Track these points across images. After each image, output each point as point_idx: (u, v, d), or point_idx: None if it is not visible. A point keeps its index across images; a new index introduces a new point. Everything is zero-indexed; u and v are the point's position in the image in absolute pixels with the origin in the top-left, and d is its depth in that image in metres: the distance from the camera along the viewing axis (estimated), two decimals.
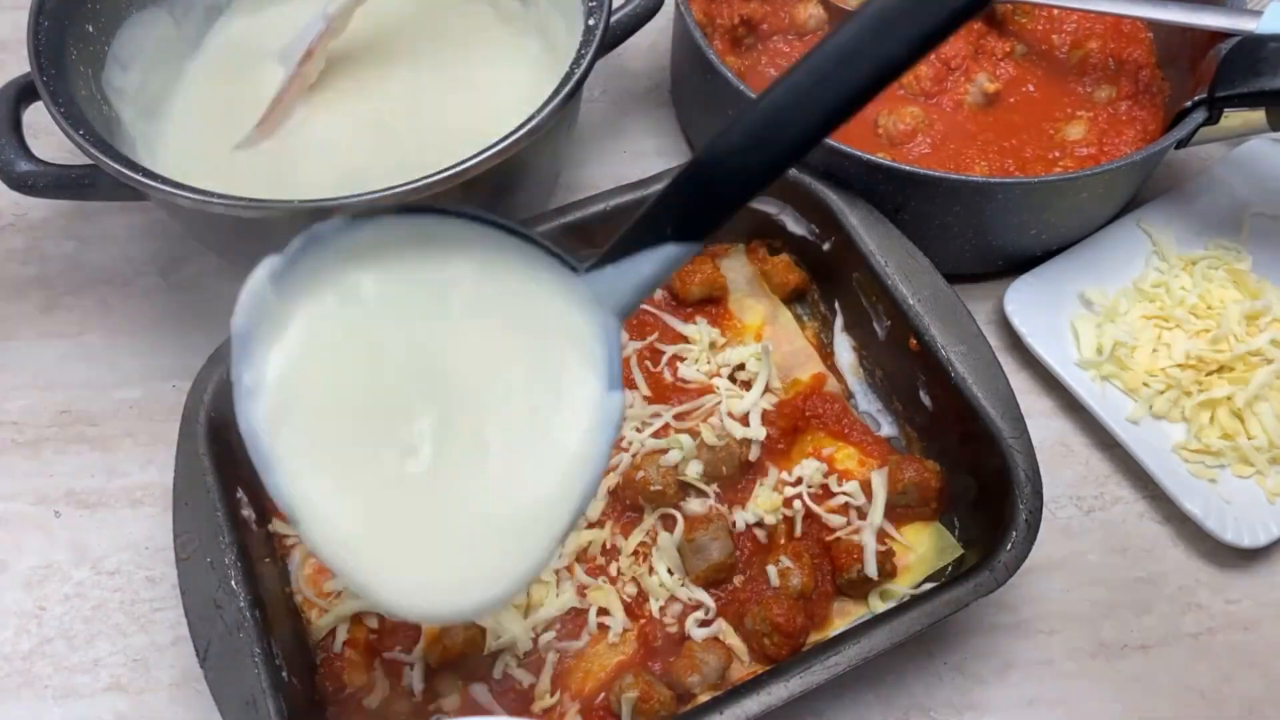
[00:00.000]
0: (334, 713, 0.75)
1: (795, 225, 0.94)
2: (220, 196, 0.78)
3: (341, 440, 0.52)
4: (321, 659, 0.77)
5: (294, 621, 0.77)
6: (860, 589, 0.80)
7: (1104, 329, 0.95)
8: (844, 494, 0.83)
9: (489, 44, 1.05)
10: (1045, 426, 0.95)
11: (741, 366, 0.89)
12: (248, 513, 0.79)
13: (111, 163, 0.79)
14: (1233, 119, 0.96)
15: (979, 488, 0.82)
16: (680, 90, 1.12)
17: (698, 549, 0.79)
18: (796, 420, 0.87)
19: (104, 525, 0.87)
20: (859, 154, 0.88)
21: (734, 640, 0.78)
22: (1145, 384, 0.93)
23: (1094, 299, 0.97)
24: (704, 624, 0.78)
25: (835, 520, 0.82)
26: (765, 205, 0.94)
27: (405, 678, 0.75)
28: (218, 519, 0.73)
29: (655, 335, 0.90)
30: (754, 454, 0.84)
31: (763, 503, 0.82)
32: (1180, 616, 0.86)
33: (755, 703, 0.69)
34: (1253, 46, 0.91)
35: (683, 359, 0.89)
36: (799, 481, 0.84)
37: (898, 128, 1.01)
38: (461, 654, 0.74)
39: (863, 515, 0.82)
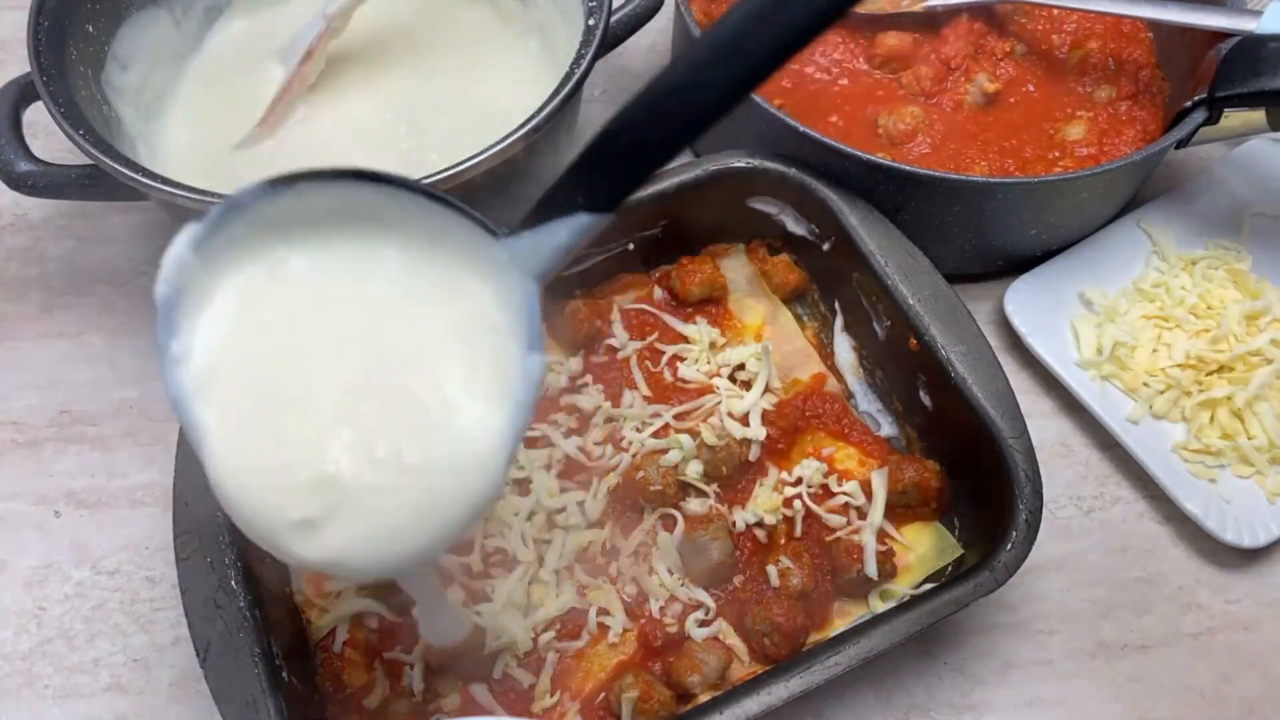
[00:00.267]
0: (334, 713, 0.75)
1: (795, 225, 0.94)
2: (220, 196, 0.78)
3: (265, 411, 0.53)
4: (321, 659, 0.77)
5: (294, 621, 0.78)
6: (860, 589, 0.80)
7: (1104, 329, 0.95)
8: (844, 494, 0.83)
9: (489, 44, 1.05)
10: (1045, 426, 0.95)
11: (741, 366, 0.89)
12: None
13: (111, 163, 0.79)
14: (1233, 119, 0.96)
15: (979, 488, 0.82)
16: None
17: (698, 549, 0.78)
18: (796, 420, 0.87)
19: (104, 525, 0.87)
20: (859, 154, 0.88)
21: (734, 640, 0.78)
22: (1145, 384, 0.93)
23: (1094, 299, 0.97)
24: (704, 624, 0.78)
25: (835, 520, 0.82)
26: (765, 205, 0.94)
27: (405, 678, 0.75)
28: (218, 519, 0.73)
29: (655, 335, 0.90)
30: (754, 454, 0.84)
31: (763, 503, 0.82)
32: (1180, 616, 0.86)
33: (755, 703, 0.69)
34: (1253, 46, 0.91)
35: (683, 359, 0.89)
36: (799, 481, 0.84)
37: (898, 128, 1.01)
38: (461, 654, 0.74)
39: (863, 515, 0.82)
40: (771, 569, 0.78)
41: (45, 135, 0.95)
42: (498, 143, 0.81)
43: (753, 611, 0.77)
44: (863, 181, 0.90)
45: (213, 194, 0.78)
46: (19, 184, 0.84)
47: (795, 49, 0.46)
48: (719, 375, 0.88)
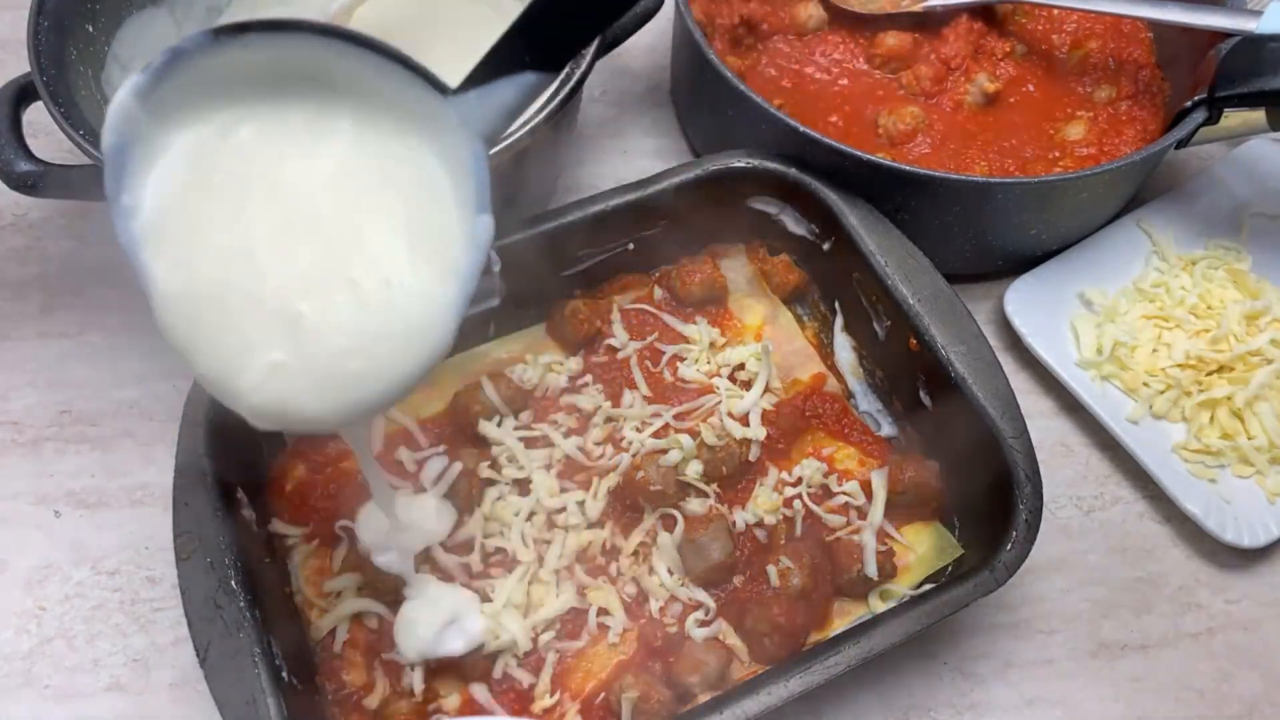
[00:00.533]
0: (334, 713, 0.75)
1: (795, 225, 0.94)
2: None
3: (211, 270, 0.54)
4: (321, 659, 0.77)
5: (294, 621, 0.78)
6: (860, 589, 0.80)
7: (1104, 329, 0.95)
8: (844, 494, 0.83)
9: (489, 43, 1.04)
10: (1045, 426, 0.95)
11: (741, 366, 0.89)
12: (248, 513, 0.79)
13: None
14: (1233, 119, 0.96)
15: (979, 487, 0.81)
16: (680, 90, 1.12)
17: (698, 549, 0.78)
18: (796, 420, 0.87)
19: (104, 525, 0.87)
20: (859, 154, 0.88)
21: (734, 640, 0.78)
22: (1145, 384, 0.93)
23: (1094, 299, 0.97)
24: (704, 624, 0.78)
25: (835, 520, 0.82)
26: (765, 205, 0.94)
27: (405, 678, 0.75)
28: (218, 519, 0.73)
29: (655, 335, 0.90)
30: (754, 454, 0.84)
31: (763, 503, 0.82)
32: (1180, 616, 0.86)
33: (755, 703, 0.69)
34: (1253, 46, 0.91)
35: (683, 359, 0.89)
36: (799, 481, 0.84)
37: (898, 128, 1.01)
38: (461, 655, 0.74)
39: (863, 515, 0.82)
40: (771, 569, 0.78)
41: (45, 135, 0.95)
42: (499, 142, 0.81)
43: (753, 611, 0.77)
44: (863, 181, 0.90)
45: None
46: (19, 184, 0.84)
47: None
48: (719, 375, 0.88)
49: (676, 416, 0.85)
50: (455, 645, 0.73)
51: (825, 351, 0.94)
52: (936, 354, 0.83)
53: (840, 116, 1.03)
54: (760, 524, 0.82)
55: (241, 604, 0.70)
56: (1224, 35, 0.94)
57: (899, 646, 0.72)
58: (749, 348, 0.89)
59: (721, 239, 0.97)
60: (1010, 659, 0.84)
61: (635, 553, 0.80)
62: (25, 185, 0.84)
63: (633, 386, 0.87)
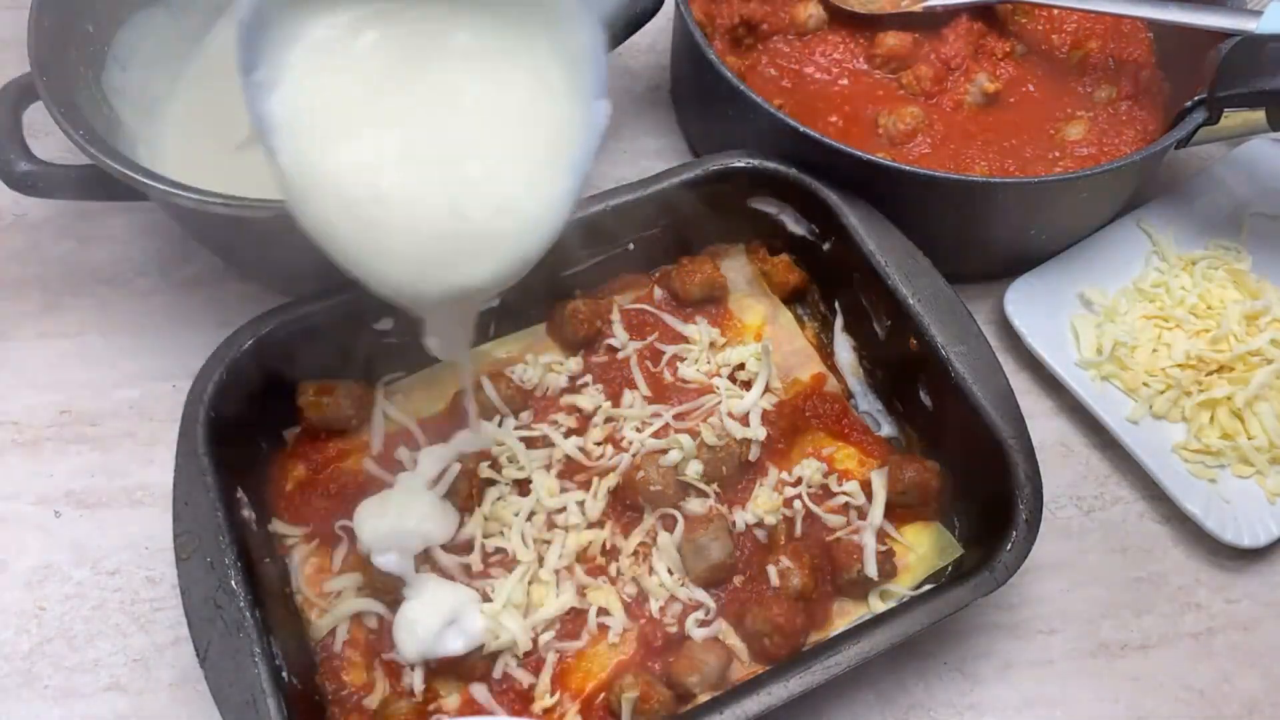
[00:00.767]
0: (334, 713, 0.75)
1: (795, 225, 0.94)
2: (220, 196, 0.78)
3: (348, 130, 0.57)
4: (321, 659, 0.77)
5: (294, 621, 0.78)
6: (860, 589, 0.80)
7: (1104, 329, 0.95)
8: (844, 494, 0.83)
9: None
10: (1045, 426, 0.95)
11: (741, 366, 0.89)
12: (248, 513, 0.79)
13: (111, 163, 0.79)
14: (1233, 119, 0.96)
15: (979, 488, 0.82)
16: (680, 90, 1.12)
17: (698, 549, 0.78)
18: (796, 420, 0.87)
19: (104, 525, 0.87)
20: (859, 154, 0.88)
21: (734, 640, 0.78)
22: (1145, 384, 0.93)
23: (1094, 299, 0.97)
24: (704, 624, 0.78)
25: (835, 520, 0.82)
26: (765, 205, 0.94)
27: (405, 678, 0.75)
28: (218, 519, 0.73)
29: (655, 335, 0.90)
30: (754, 454, 0.84)
31: (763, 503, 0.82)
32: (1180, 616, 0.86)
33: (755, 703, 0.69)
34: (1253, 46, 0.91)
35: (683, 359, 0.89)
36: (799, 481, 0.84)
37: (898, 128, 1.01)
38: (461, 655, 0.74)
39: (863, 515, 0.82)
40: (771, 569, 0.78)
41: (45, 135, 0.95)
42: None
43: (753, 611, 0.77)
44: (863, 181, 0.90)
45: (212, 194, 0.78)
46: (19, 184, 0.84)
47: None
48: (719, 375, 0.88)
49: (676, 416, 0.85)
50: (455, 645, 0.74)
51: (825, 351, 0.94)
52: (936, 354, 0.83)
53: (840, 116, 1.03)
54: (760, 524, 0.82)
55: (241, 604, 0.70)
56: (1224, 35, 0.94)
57: (899, 646, 0.72)
58: (749, 348, 0.89)
59: (721, 239, 0.97)
60: (1010, 659, 0.84)
61: (635, 553, 0.80)
62: (25, 185, 0.84)
63: (633, 386, 0.87)
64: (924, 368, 0.85)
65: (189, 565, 0.72)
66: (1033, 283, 0.98)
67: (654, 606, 0.78)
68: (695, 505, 0.81)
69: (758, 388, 0.87)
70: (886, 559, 0.80)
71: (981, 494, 0.81)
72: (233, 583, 0.71)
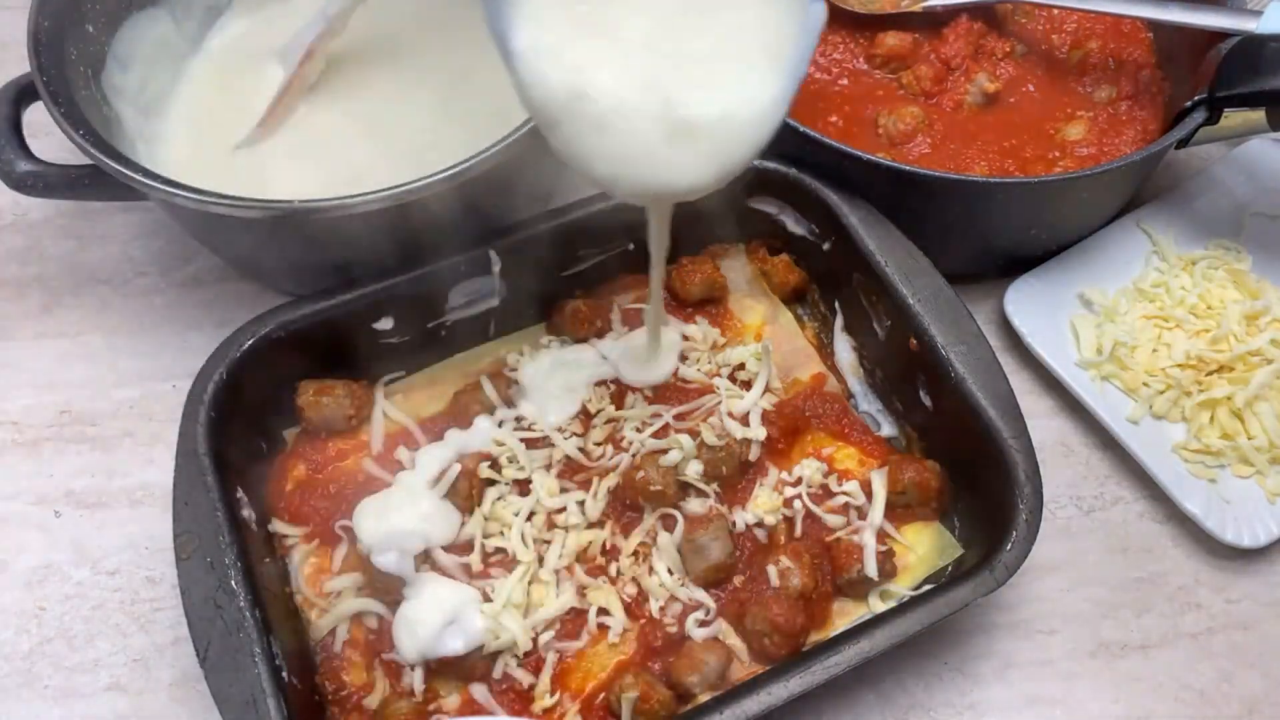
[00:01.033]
0: (334, 713, 0.75)
1: (795, 225, 0.94)
2: (220, 196, 0.78)
3: (578, 36, 0.61)
4: (321, 659, 0.77)
5: (294, 621, 0.78)
6: (860, 589, 0.80)
7: (1104, 329, 0.95)
8: (844, 494, 0.83)
9: (489, 44, 1.04)
10: (1045, 426, 0.95)
11: (741, 366, 0.89)
12: (248, 513, 0.79)
13: (111, 163, 0.79)
14: (1233, 119, 0.96)
15: (979, 488, 0.82)
16: None
17: (698, 549, 0.78)
18: (796, 420, 0.87)
19: (104, 525, 0.87)
20: (859, 154, 0.88)
21: (734, 640, 0.78)
22: (1145, 384, 0.93)
23: (1094, 299, 0.97)
24: (704, 624, 0.78)
25: (835, 520, 0.82)
26: (765, 205, 0.94)
27: (405, 678, 0.75)
28: (218, 519, 0.73)
29: None
30: (754, 454, 0.84)
31: (763, 503, 0.82)
32: (1180, 616, 0.86)
33: (755, 703, 0.69)
34: (1253, 46, 0.91)
35: (684, 359, 0.89)
36: (799, 481, 0.84)
37: (898, 128, 1.01)
38: (461, 655, 0.74)
39: (863, 515, 0.82)
40: (771, 569, 0.78)
41: (45, 135, 0.95)
42: (499, 142, 0.81)
43: (753, 611, 0.77)
44: (863, 181, 0.90)
45: (213, 194, 0.78)
46: (19, 184, 0.84)
47: None
48: (719, 375, 0.88)
49: (676, 416, 0.85)
50: (455, 645, 0.74)
51: (825, 351, 0.94)
52: (936, 354, 0.83)
53: (840, 116, 1.03)
54: (760, 524, 0.82)
55: (241, 604, 0.70)
56: (1224, 35, 0.94)
57: (899, 646, 0.72)
58: (749, 348, 0.89)
59: (721, 239, 0.97)
60: (1010, 659, 0.84)
61: (635, 553, 0.80)
62: (25, 185, 0.85)
63: (633, 387, 0.87)
64: (924, 368, 0.85)
65: (189, 565, 0.72)
66: (1033, 283, 0.98)
67: (654, 606, 0.78)
68: (695, 505, 0.81)
69: (758, 388, 0.87)
70: (886, 559, 0.80)
71: (981, 494, 0.81)
72: (233, 583, 0.71)
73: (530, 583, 0.78)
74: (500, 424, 0.84)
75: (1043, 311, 0.97)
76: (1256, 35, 0.91)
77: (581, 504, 0.81)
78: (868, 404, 0.92)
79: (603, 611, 0.78)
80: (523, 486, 0.82)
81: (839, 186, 0.90)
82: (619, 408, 0.85)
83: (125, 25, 0.95)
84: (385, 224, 0.82)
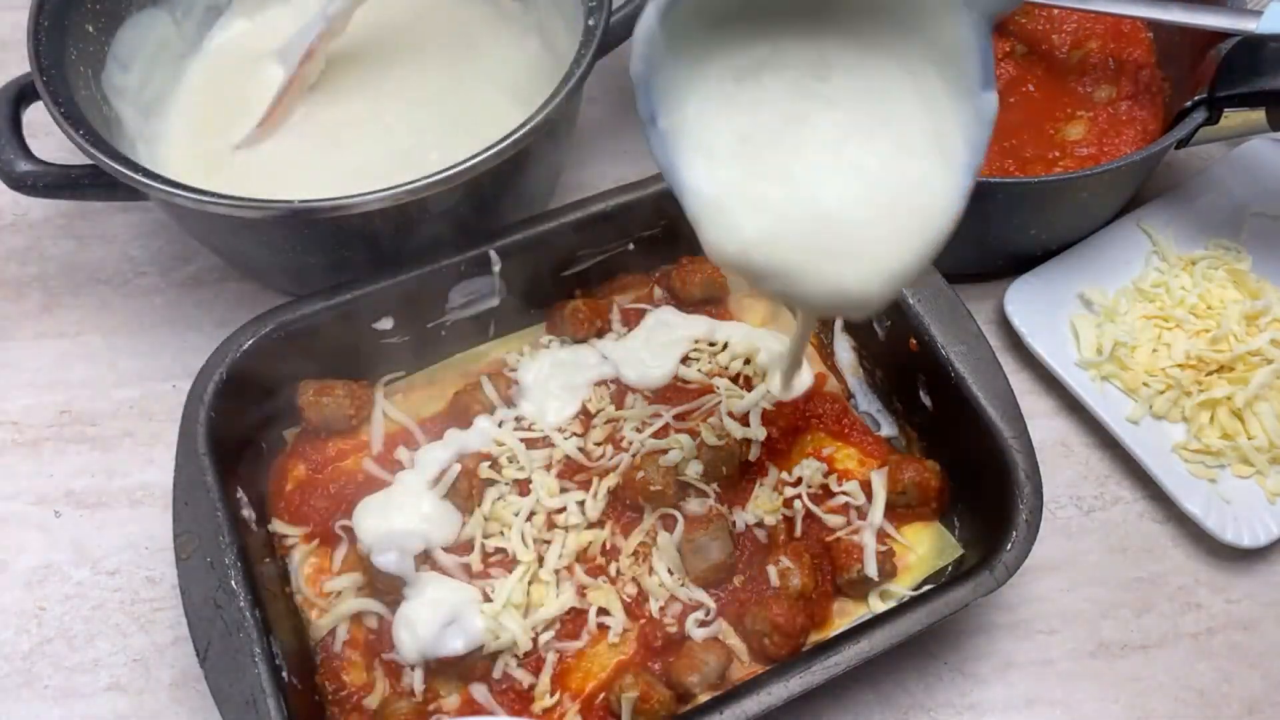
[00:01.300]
0: (334, 713, 0.75)
1: None
2: (220, 196, 0.78)
3: (742, 156, 0.60)
4: (321, 659, 0.77)
5: (294, 621, 0.78)
6: (860, 589, 0.80)
7: (1104, 329, 0.95)
8: (844, 494, 0.83)
9: (489, 44, 1.05)
10: (1045, 426, 0.95)
11: (747, 362, 0.89)
12: (248, 513, 0.79)
13: (111, 163, 0.79)
14: (1233, 119, 0.96)
15: (979, 488, 0.81)
16: None
17: (698, 549, 0.78)
18: (796, 420, 0.87)
19: (104, 525, 0.88)
20: None
21: (734, 640, 0.78)
22: (1145, 384, 0.93)
23: (1094, 299, 0.97)
24: (704, 624, 0.78)
25: (835, 520, 0.82)
26: None
27: (405, 678, 0.75)
28: (218, 519, 0.73)
29: None
30: (754, 454, 0.84)
31: (763, 503, 0.82)
32: (1180, 616, 0.86)
33: (755, 703, 0.69)
34: (1253, 46, 0.91)
35: (685, 361, 0.89)
36: (799, 481, 0.84)
37: None
38: (461, 655, 0.75)
39: (863, 515, 0.82)
40: (771, 569, 0.78)
41: (45, 135, 0.95)
42: (499, 142, 0.81)
43: (753, 611, 0.77)
44: None
45: (213, 194, 0.78)
46: (19, 184, 0.85)
47: None
48: (719, 375, 0.88)
49: (676, 416, 0.85)
50: (455, 645, 0.74)
51: (825, 351, 0.94)
52: (936, 354, 0.83)
53: None
54: (760, 524, 0.82)
55: (241, 604, 0.70)
56: (1224, 35, 0.94)
57: (899, 646, 0.72)
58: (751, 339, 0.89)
59: None
60: (1010, 659, 0.84)
61: (635, 553, 0.80)
62: (25, 185, 0.85)
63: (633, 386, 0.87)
64: (924, 368, 0.85)
65: (189, 565, 0.72)
66: (1033, 283, 0.98)
67: (654, 606, 0.78)
68: (695, 505, 0.81)
69: (758, 388, 0.87)
70: (886, 559, 0.80)
71: (981, 494, 0.81)
72: (233, 583, 0.71)
73: (530, 583, 0.78)
74: (500, 424, 0.84)
75: (1043, 311, 0.97)
76: (1256, 35, 0.91)
77: (581, 504, 0.81)
78: (868, 404, 0.92)
79: (603, 611, 0.78)
80: (523, 486, 0.82)
81: None
82: (619, 408, 0.85)
83: (125, 25, 0.95)
84: (385, 224, 0.82)
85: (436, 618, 0.74)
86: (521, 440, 0.83)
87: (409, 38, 1.04)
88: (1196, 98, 0.92)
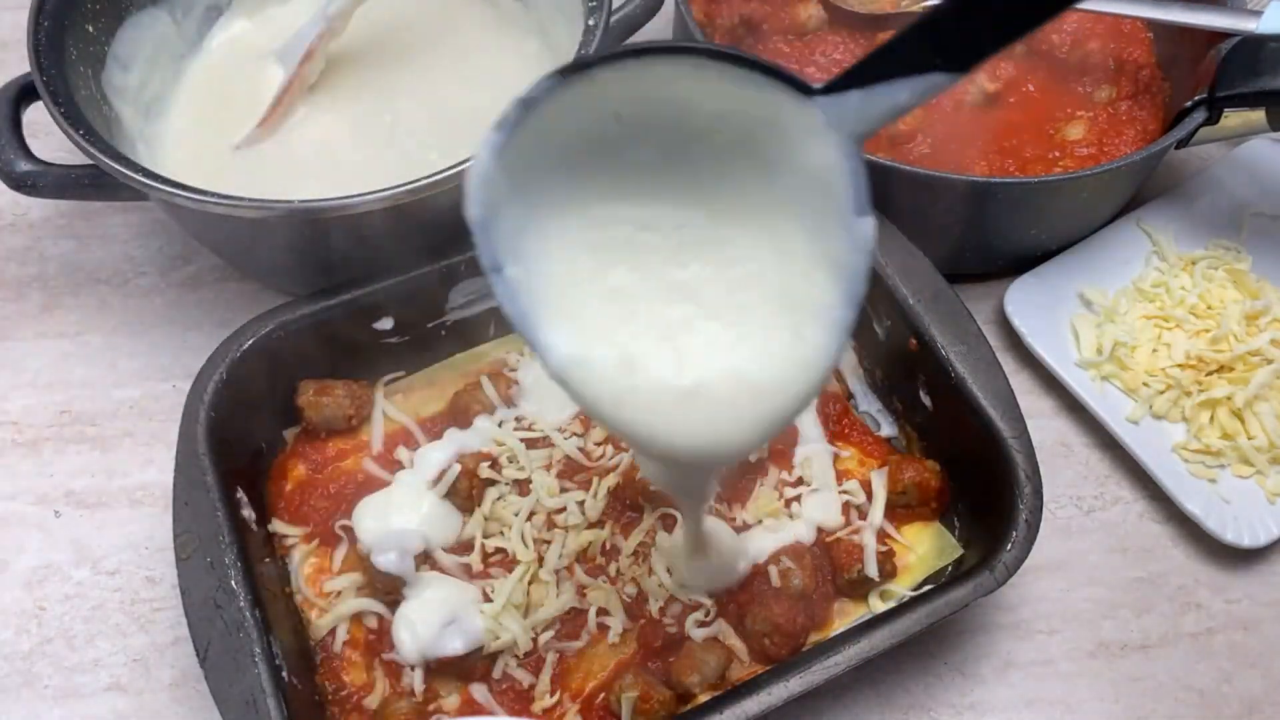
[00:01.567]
0: (334, 713, 0.75)
1: None
2: (220, 196, 0.78)
3: (604, 314, 0.54)
4: (321, 659, 0.77)
5: (294, 621, 0.78)
6: (860, 589, 0.80)
7: (1104, 329, 0.95)
8: (844, 494, 0.83)
9: (489, 44, 1.05)
10: (1045, 426, 0.95)
11: None
12: (248, 513, 0.79)
13: (111, 163, 0.79)
14: (1233, 119, 0.96)
15: (979, 488, 0.82)
16: None
17: None
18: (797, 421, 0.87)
19: (104, 525, 0.87)
20: None
21: (734, 640, 0.78)
22: (1145, 384, 0.93)
23: (1094, 299, 0.97)
24: (704, 624, 0.78)
25: (835, 520, 0.82)
26: None
27: (405, 678, 0.75)
28: (218, 519, 0.73)
29: None
30: (754, 454, 0.84)
31: (763, 503, 0.82)
32: (1180, 616, 0.86)
33: (755, 703, 0.69)
34: (1253, 46, 0.91)
35: None
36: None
37: (898, 128, 1.00)
38: (461, 655, 0.74)
39: (863, 515, 0.82)
40: (772, 569, 0.78)
41: (45, 135, 0.95)
42: None
43: (753, 611, 0.77)
44: None
45: (213, 194, 0.78)
46: (19, 184, 0.85)
47: None
48: None
49: None
50: (455, 645, 0.74)
51: None
52: (936, 354, 0.83)
53: None
54: (760, 524, 0.82)
55: (241, 604, 0.70)
56: (1224, 35, 0.94)
57: (899, 646, 0.72)
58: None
59: None
60: (1010, 659, 0.84)
61: (635, 553, 0.80)
62: (25, 185, 0.85)
63: None
64: (924, 368, 0.85)
65: (189, 565, 0.72)
66: (1033, 283, 0.98)
67: (654, 606, 0.78)
68: None
69: None
70: (886, 559, 0.80)
71: (981, 494, 0.81)
72: (233, 583, 0.71)
73: (530, 583, 0.78)
74: (500, 424, 0.84)
75: (1043, 311, 0.97)
76: (1256, 35, 0.91)
77: (581, 504, 0.81)
78: (868, 404, 0.92)
79: (602, 611, 0.78)
80: (523, 486, 0.82)
81: None
82: None
83: (125, 25, 0.95)
84: (385, 224, 0.82)
85: (436, 618, 0.74)
86: (521, 440, 0.83)
87: (409, 38, 1.04)
88: (1196, 98, 0.92)
